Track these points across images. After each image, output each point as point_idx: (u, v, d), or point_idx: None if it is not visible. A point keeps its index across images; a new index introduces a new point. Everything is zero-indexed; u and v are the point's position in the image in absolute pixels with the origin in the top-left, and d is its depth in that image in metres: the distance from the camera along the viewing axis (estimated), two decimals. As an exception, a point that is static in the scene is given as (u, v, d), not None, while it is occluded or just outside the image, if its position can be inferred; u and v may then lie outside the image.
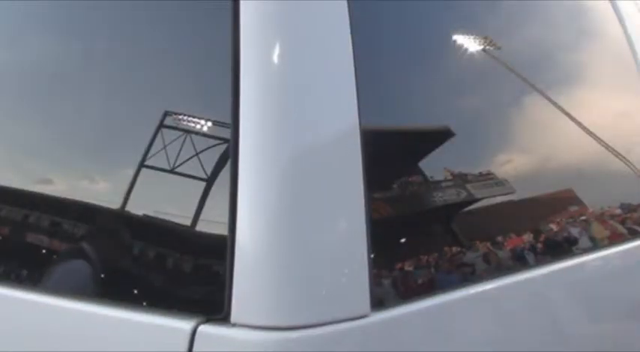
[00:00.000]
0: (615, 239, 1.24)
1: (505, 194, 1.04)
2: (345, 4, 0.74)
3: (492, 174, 1.02)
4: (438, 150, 0.93)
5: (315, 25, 0.71)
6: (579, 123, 1.22)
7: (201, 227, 0.70)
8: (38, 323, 0.75)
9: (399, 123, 0.89)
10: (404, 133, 0.88)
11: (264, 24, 0.70)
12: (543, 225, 1.12)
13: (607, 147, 1.21)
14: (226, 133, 0.67)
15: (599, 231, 1.21)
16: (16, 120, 0.99)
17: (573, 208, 1.22)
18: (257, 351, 0.59)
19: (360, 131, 0.69)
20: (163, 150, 0.75)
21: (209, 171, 0.71)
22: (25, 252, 0.83)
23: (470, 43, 1.07)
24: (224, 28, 0.71)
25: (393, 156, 0.84)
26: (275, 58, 0.67)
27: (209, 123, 0.74)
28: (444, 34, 1.05)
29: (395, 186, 0.83)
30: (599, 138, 1.22)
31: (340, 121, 0.68)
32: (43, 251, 0.81)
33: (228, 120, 0.67)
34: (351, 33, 0.73)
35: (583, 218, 1.21)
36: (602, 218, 1.27)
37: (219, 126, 0.72)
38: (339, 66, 0.71)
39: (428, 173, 0.90)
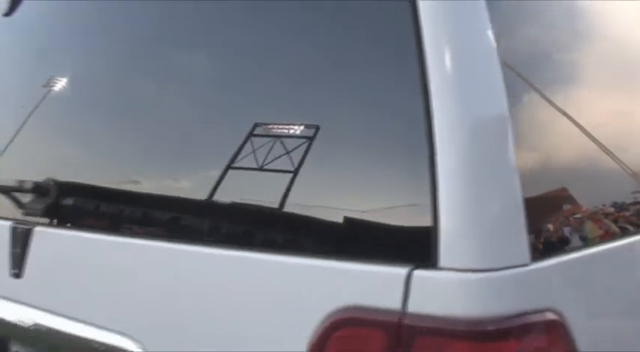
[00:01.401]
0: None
1: None
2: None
3: None
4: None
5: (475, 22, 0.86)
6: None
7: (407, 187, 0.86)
8: (284, 280, 0.89)
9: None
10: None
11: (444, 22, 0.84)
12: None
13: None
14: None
15: None
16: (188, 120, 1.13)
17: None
18: (464, 289, 0.74)
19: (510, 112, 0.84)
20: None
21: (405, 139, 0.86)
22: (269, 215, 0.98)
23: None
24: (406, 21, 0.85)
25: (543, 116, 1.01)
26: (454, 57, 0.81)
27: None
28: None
29: (546, 145, 1.00)
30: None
31: (495, 106, 0.84)
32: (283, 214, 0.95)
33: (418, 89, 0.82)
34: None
35: None
36: None
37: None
38: (491, 59, 0.85)
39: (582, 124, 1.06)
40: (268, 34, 1.05)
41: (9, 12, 1.54)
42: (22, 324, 1.25)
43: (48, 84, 1.38)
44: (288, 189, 0.93)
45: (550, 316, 0.79)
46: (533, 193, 0.87)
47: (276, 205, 0.94)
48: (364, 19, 0.93)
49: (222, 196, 1.01)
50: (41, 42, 1.50)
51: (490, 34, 0.85)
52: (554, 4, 1.13)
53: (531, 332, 0.77)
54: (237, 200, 1.02)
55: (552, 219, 0.94)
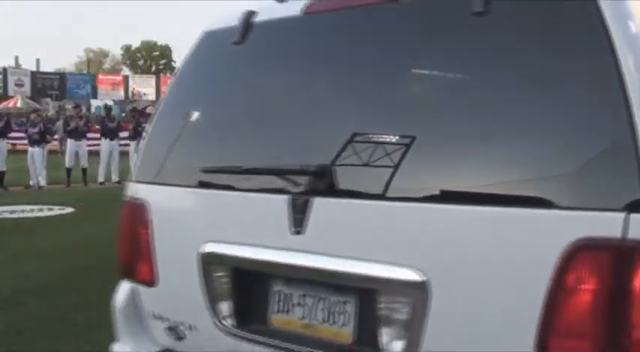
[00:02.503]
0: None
1: None
2: None
3: None
4: None
5: None
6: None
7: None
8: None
9: None
10: None
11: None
12: None
13: None
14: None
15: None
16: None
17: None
18: None
19: None
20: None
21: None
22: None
23: None
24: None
25: None
26: None
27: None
28: None
29: None
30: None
31: None
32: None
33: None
34: None
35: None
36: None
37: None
38: None
39: None
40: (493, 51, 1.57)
41: (240, 40, 2.02)
42: (292, 267, 1.73)
43: (305, 88, 1.90)
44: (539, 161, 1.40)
45: None
46: None
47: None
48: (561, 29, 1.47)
49: (494, 168, 1.47)
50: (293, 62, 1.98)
51: None
52: None
53: None
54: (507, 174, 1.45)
55: None
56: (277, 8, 1.99)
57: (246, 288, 1.87)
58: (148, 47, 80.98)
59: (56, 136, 23.67)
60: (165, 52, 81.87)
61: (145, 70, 74.61)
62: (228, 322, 1.88)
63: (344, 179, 1.64)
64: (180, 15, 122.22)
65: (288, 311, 1.78)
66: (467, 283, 1.44)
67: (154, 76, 50.06)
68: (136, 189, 2.16)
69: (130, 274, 2.21)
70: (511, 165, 1.44)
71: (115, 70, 75.15)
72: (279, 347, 1.76)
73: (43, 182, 13.85)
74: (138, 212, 2.10)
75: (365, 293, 1.63)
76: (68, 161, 14.42)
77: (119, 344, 2.20)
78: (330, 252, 1.64)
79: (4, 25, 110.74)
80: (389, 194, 1.56)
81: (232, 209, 1.88)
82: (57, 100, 41.51)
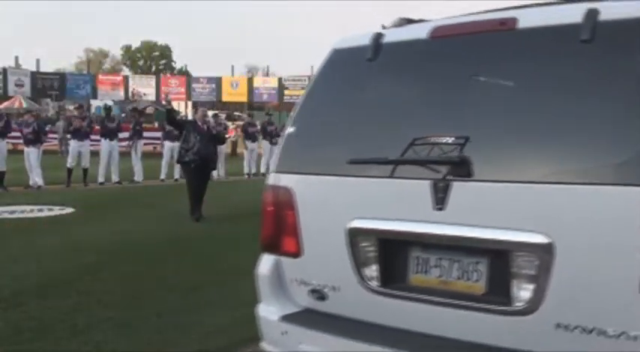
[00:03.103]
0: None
1: None
2: None
3: None
4: None
5: None
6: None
7: None
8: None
9: None
10: None
11: None
12: None
13: None
14: None
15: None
16: None
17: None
18: None
19: None
20: None
21: None
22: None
23: None
24: None
25: None
26: None
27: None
28: None
29: None
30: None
31: None
32: None
33: None
34: None
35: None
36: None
37: None
38: None
39: None
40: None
41: (373, 58, 2.51)
42: (431, 236, 2.22)
43: (432, 97, 2.37)
44: None
45: None
46: None
47: None
48: None
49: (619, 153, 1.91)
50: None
51: None
52: None
53: None
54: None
55: None
56: (404, 31, 2.55)
57: (389, 255, 2.35)
58: (148, 47, 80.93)
59: (56, 136, 23.71)
60: (165, 52, 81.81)
61: (145, 70, 74.55)
62: (373, 283, 2.36)
63: (478, 166, 2.11)
64: (181, 15, 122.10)
65: (426, 271, 2.28)
66: (582, 242, 1.91)
67: (154, 76, 50.01)
68: (279, 178, 2.66)
69: (273, 248, 2.68)
70: (612, 155, 1.93)
71: (115, 70, 75.13)
72: (418, 299, 2.24)
73: (40, 181, 13.85)
74: (283, 196, 2.60)
75: (496, 254, 2.09)
76: (70, 161, 14.43)
77: (263, 305, 2.67)
78: (466, 222, 2.13)
79: (4, 25, 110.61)
80: (516, 177, 2.05)
81: (378, 192, 2.37)
82: (57, 100, 41.44)
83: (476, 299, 2.13)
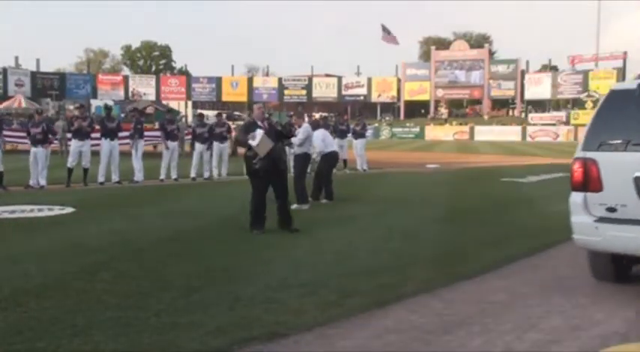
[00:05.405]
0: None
1: None
2: None
3: None
4: None
5: None
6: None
7: None
8: None
9: None
10: None
11: None
12: None
13: None
14: None
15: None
16: None
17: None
18: None
19: None
20: None
21: None
22: None
23: None
24: None
25: None
26: None
27: None
28: None
29: None
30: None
31: None
32: None
33: None
34: None
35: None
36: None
37: None
38: None
39: None
40: None
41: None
42: None
43: None
44: None
45: None
46: None
47: None
48: None
49: None
50: None
51: None
52: None
53: None
54: None
55: None
56: None
57: None
58: (148, 47, 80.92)
59: (56, 136, 23.71)
60: (165, 52, 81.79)
61: (144, 70, 74.51)
62: None
63: None
64: (180, 15, 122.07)
65: None
66: None
67: (153, 76, 49.99)
68: (584, 154, 5.28)
69: (583, 189, 5.28)
70: None
71: (115, 70, 75.13)
72: None
73: (43, 182, 13.84)
74: (590, 163, 5.22)
75: None
76: (71, 161, 14.42)
77: (575, 217, 5.33)
78: None
79: (4, 25, 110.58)
80: None
81: None
82: (57, 100, 41.43)
83: None
